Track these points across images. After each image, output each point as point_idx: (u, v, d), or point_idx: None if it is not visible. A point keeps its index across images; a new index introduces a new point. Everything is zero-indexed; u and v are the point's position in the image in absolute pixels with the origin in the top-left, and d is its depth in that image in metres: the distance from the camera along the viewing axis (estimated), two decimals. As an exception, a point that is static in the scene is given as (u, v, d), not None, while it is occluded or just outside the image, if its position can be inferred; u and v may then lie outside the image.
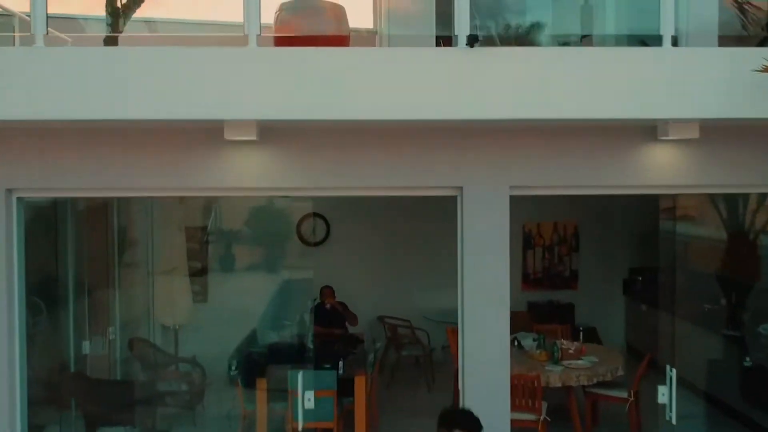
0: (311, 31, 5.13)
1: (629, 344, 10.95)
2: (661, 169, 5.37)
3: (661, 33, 4.78)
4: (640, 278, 10.78)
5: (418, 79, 4.67)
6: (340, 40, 5.04)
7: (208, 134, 5.13)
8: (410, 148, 5.29)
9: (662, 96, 4.74)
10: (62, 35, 7.73)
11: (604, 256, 10.96)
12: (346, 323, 9.17)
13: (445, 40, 4.89)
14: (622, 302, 11.15)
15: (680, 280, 9.71)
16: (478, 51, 4.64)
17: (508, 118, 4.78)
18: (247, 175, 5.34)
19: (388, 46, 6.60)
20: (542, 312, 10.29)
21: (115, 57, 4.73)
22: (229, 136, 4.94)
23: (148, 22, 6.59)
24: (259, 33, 4.69)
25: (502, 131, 5.24)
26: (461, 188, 5.37)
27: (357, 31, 7.05)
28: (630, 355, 10.78)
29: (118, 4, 6.11)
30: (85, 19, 6.70)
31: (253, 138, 4.97)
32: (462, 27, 4.66)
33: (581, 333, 10.26)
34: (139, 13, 6.22)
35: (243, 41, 4.70)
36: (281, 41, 5.00)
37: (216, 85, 4.62)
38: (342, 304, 9.25)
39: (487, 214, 5.36)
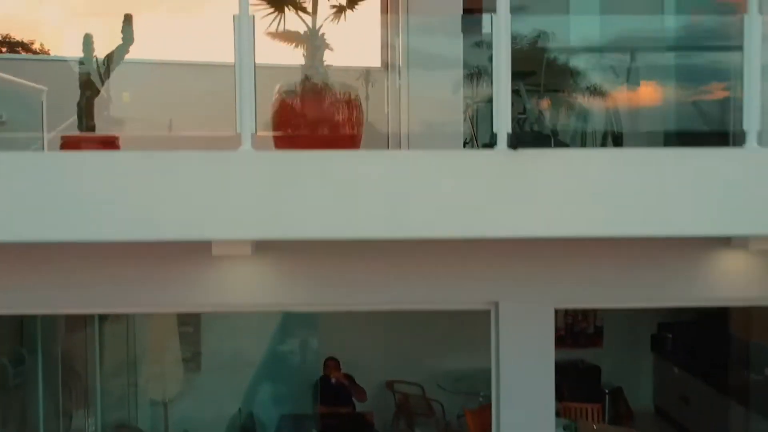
0: (316, 121, 4.27)
1: (657, 406, 10.12)
2: (733, 280, 4.55)
3: (745, 128, 3.94)
4: (671, 335, 9.94)
5: (447, 188, 3.82)
6: (351, 138, 4.18)
7: (196, 247, 4.27)
8: (433, 260, 4.45)
9: (744, 206, 3.89)
10: (38, 86, 6.86)
11: (630, 311, 10.08)
12: (354, 398, 8.30)
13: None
14: (650, 360, 10.31)
15: (719, 343, 8.88)
16: (521, 154, 3.80)
17: (555, 237, 3.94)
18: (242, 290, 4.52)
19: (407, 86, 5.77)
20: (567, 378, 9.39)
21: (73, 166, 3.85)
22: (218, 253, 4.10)
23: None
24: (254, 131, 3.85)
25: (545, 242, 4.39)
26: (496, 303, 4.53)
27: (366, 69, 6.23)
28: (658, 417, 10.00)
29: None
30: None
31: (248, 253, 4.13)
32: (502, 125, 3.82)
33: (607, 396, 9.48)
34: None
35: (236, 141, 3.86)
36: (281, 139, 4.16)
37: (203, 197, 3.78)
38: (349, 377, 8.35)
39: (528, 332, 4.54)
